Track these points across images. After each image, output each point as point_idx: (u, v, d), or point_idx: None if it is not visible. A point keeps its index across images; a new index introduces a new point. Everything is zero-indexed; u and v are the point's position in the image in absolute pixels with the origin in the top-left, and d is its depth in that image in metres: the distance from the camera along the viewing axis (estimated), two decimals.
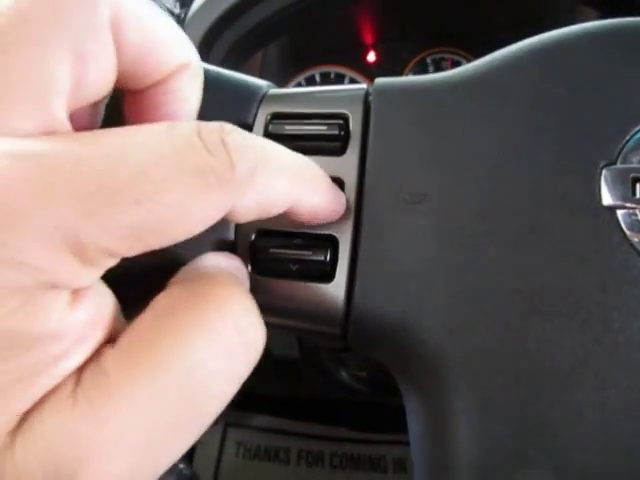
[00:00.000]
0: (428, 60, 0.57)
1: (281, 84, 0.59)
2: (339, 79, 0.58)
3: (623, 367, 0.18)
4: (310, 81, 0.59)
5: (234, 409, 0.86)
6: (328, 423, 0.84)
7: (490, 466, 0.18)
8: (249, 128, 0.22)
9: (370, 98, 0.22)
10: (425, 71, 0.57)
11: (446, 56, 0.56)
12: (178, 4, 0.24)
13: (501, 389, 0.18)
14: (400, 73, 0.58)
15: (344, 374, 0.47)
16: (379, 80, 0.22)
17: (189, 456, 0.85)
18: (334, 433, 0.83)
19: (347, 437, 0.83)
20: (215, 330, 0.15)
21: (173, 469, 0.20)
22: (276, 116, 0.22)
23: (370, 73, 0.58)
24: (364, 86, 0.23)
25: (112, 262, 0.14)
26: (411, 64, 0.57)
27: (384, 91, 0.22)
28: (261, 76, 0.59)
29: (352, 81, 0.58)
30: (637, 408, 0.17)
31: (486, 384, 0.18)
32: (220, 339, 0.15)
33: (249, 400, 0.83)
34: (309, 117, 0.22)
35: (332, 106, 0.22)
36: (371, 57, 0.59)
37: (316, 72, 0.59)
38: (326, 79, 0.59)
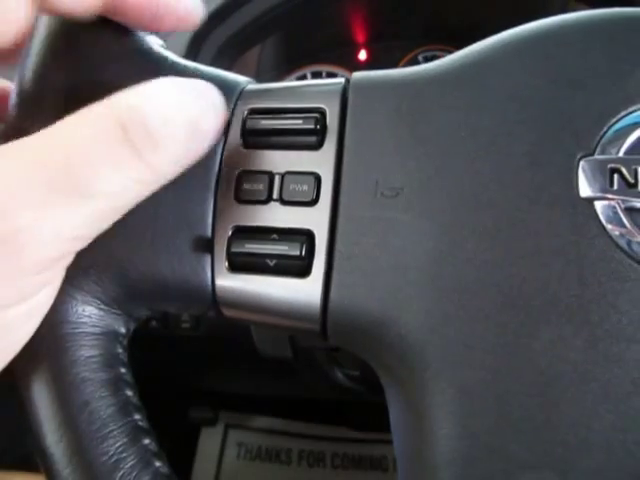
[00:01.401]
0: (420, 58, 0.57)
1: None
2: (331, 78, 0.58)
3: (602, 360, 0.17)
4: (301, 80, 0.59)
5: (234, 410, 0.86)
6: (329, 423, 0.84)
7: (469, 461, 0.18)
8: (227, 127, 0.22)
9: (347, 92, 0.22)
10: None
11: (438, 53, 0.56)
12: None
13: (480, 383, 0.18)
14: None
15: (338, 373, 0.47)
16: (356, 74, 0.22)
17: (189, 456, 0.85)
18: (335, 433, 0.84)
19: (348, 437, 0.83)
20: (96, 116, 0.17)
21: (148, 467, 0.19)
22: (254, 111, 0.22)
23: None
24: (341, 80, 0.22)
25: None
26: (403, 62, 0.57)
27: (361, 85, 0.22)
28: (258, 75, 0.59)
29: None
30: (616, 401, 0.17)
31: (465, 379, 0.18)
32: (99, 123, 0.17)
33: (249, 402, 0.83)
34: (286, 112, 0.22)
35: (309, 101, 0.22)
36: (362, 56, 0.59)
37: (307, 71, 0.59)
38: (317, 78, 0.59)
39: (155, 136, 0.17)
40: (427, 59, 0.57)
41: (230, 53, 0.50)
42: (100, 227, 0.19)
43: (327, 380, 0.47)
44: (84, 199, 0.17)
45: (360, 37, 0.59)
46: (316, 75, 0.59)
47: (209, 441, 0.86)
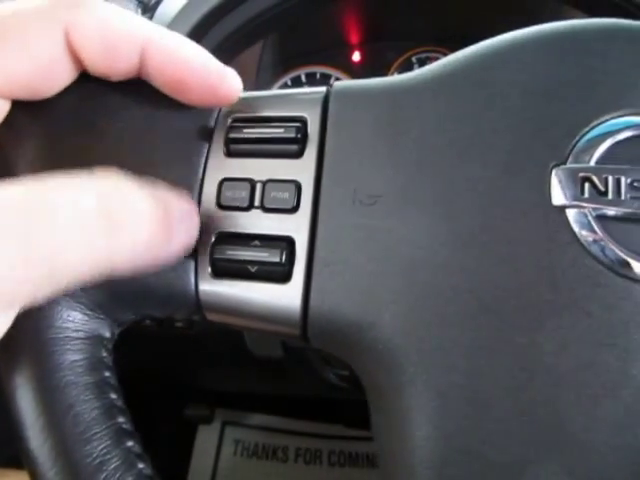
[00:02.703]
0: (413, 59, 0.57)
1: (267, 85, 0.60)
2: (325, 79, 0.59)
3: (573, 365, 0.18)
4: (296, 81, 0.59)
5: (231, 408, 0.86)
6: (325, 421, 0.84)
7: (445, 462, 0.18)
8: (210, 132, 0.22)
9: (329, 101, 0.22)
10: (410, 70, 0.57)
11: (431, 55, 0.57)
12: (140, 10, 0.24)
13: (455, 387, 0.19)
14: (385, 73, 0.58)
15: (329, 373, 0.47)
16: (337, 83, 0.23)
17: (186, 454, 0.85)
18: (331, 431, 0.84)
19: (344, 435, 0.83)
20: (76, 191, 0.16)
21: (131, 468, 0.20)
22: (237, 120, 0.22)
23: (355, 73, 0.58)
24: (323, 89, 0.23)
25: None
26: (396, 64, 0.57)
27: (342, 94, 0.22)
28: (258, 75, 0.59)
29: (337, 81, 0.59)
30: (588, 404, 0.18)
31: (441, 382, 0.19)
32: (79, 202, 0.16)
33: (245, 399, 0.83)
34: (268, 120, 0.22)
35: (291, 109, 0.22)
36: (356, 57, 0.60)
37: (302, 72, 0.59)
38: (312, 79, 0.59)
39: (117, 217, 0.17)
40: (421, 61, 0.57)
41: (225, 53, 0.50)
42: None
43: (318, 379, 0.48)
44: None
45: (354, 38, 0.59)
46: (310, 76, 0.59)
47: (206, 438, 0.87)
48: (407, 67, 0.57)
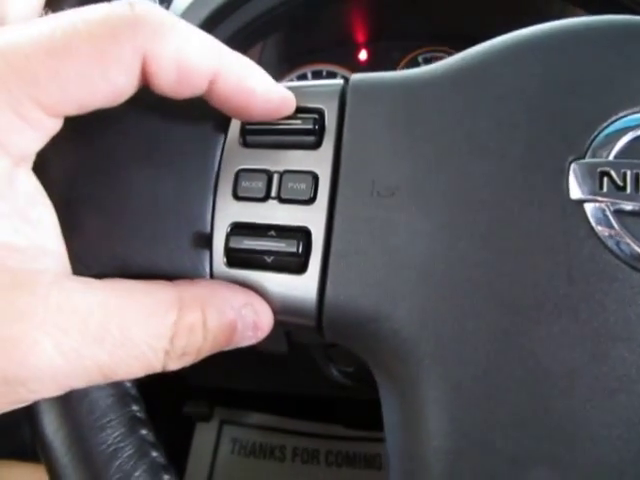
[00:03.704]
0: (419, 59, 0.57)
1: None
2: (331, 77, 0.59)
3: (589, 358, 0.18)
4: (302, 79, 0.59)
5: (229, 407, 0.86)
6: (323, 421, 0.84)
7: (459, 455, 0.19)
8: (226, 126, 0.22)
9: (346, 93, 0.22)
10: None
11: (437, 55, 0.57)
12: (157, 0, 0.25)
13: (471, 379, 0.19)
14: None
15: (333, 370, 0.47)
16: (355, 76, 0.23)
17: (183, 452, 0.85)
18: (329, 431, 0.84)
19: (342, 435, 0.83)
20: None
21: (145, 457, 0.20)
22: None
23: (362, 71, 0.58)
24: (340, 82, 0.23)
25: (51, 123, 0.18)
26: (402, 63, 0.57)
27: (360, 87, 0.22)
28: None
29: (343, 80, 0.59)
30: (603, 398, 0.18)
31: (456, 374, 0.19)
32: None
33: (244, 398, 0.83)
34: None
35: (308, 101, 0.22)
36: (363, 55, 0.60)
37: (308, 70, 0.59)
38: (318, 77, 0.59)
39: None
40: (427, 60, 0.57)
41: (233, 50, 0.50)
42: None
43: (322, 376, 0.48)
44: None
45: (360, 37, 0.59)
46: (316, 74, 0.59)
47: (204, 436, 0.87)
48: (413, 66, 0.57)
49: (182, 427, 0.87)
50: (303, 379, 0.57)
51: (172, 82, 0.19)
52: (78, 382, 0.18)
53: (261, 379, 0.66)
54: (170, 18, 0.19)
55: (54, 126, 0.19)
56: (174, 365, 0.20)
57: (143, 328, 0.18)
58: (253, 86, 0.20)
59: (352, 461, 0.83)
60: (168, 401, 0.82)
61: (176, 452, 0.84)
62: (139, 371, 0.19)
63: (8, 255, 0.17)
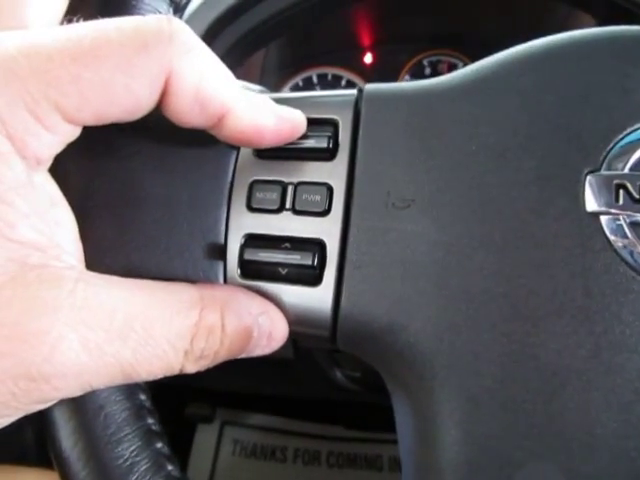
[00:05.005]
0: (425, 62, 0.57)
1: (278, 85, 0.60)
2: (336, 80, 0.59)
3: (605, 370, 0.18)
4: (307, 82, 0.59)
5: (231, 408, 0.86)
6: (324, 422, 0.84)
7: (475, 467, 0.19)
8: None
9: (360, 104, 0.22)
10: (421, 73, 0.57)
11: (442, 58, 0.56)
12: (172, 9, 0.25)
13: (486, 391, 0.19)
14: (397, 75, 0.58)
15: (338, 374, 0.47)
16: (369, 86, 0.23)
17: (184, 453, 0.85)
18: (330, 432, 0.84)
19: (343, 436, 0.83)
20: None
21: (161, 470, 0.20)
22: None
23: (367, 75, 0.59)
24: (354, 92, 0.23)
25: (68, 128, 0.18)
26: (408, 66, 0.58)
27: (374, 97, 0.22)
28: (262, 77, 0.59)
29: (349, 83, 0.59)
30: (618, 410, 0.18)
31: (471, 386, 0.19)
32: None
33: (246, 399, 0.83)
34: None
35: (322, 112, 0.22)
36: (368, 59, 0.60)
37: (313, 73, 0.59)
38: (323, 80, 0.59)
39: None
40: (432, 63, 0.57)
41: (237, 54, 0.50)
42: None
43: (326, 381, 0.48)
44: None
45: (366, 40, 0.59)
46: (322, 77, 0.59)
47: (205, 437, 0.86)
48: (418, 70, 0.57)
49: (183, 429, 0.87)
50: (306, 382, 0.57)
51: (186, 106, 0.19)
52: (99, 381, 0.18)
53: (263, 382, 0.66)
54: (200, 42, 0.19)
55: (71, 132, 0.19)
56: (191, 368, 0.19)
57: (167, 327, 0.18)
58: (264, 124, 0.20)
59: (353, 462, 0.83)
60: (170, 403, 0.82)
61: (177, 453, 0.84)
62: (159, 371, 0.18)
63: (31, 253, 0.17)
